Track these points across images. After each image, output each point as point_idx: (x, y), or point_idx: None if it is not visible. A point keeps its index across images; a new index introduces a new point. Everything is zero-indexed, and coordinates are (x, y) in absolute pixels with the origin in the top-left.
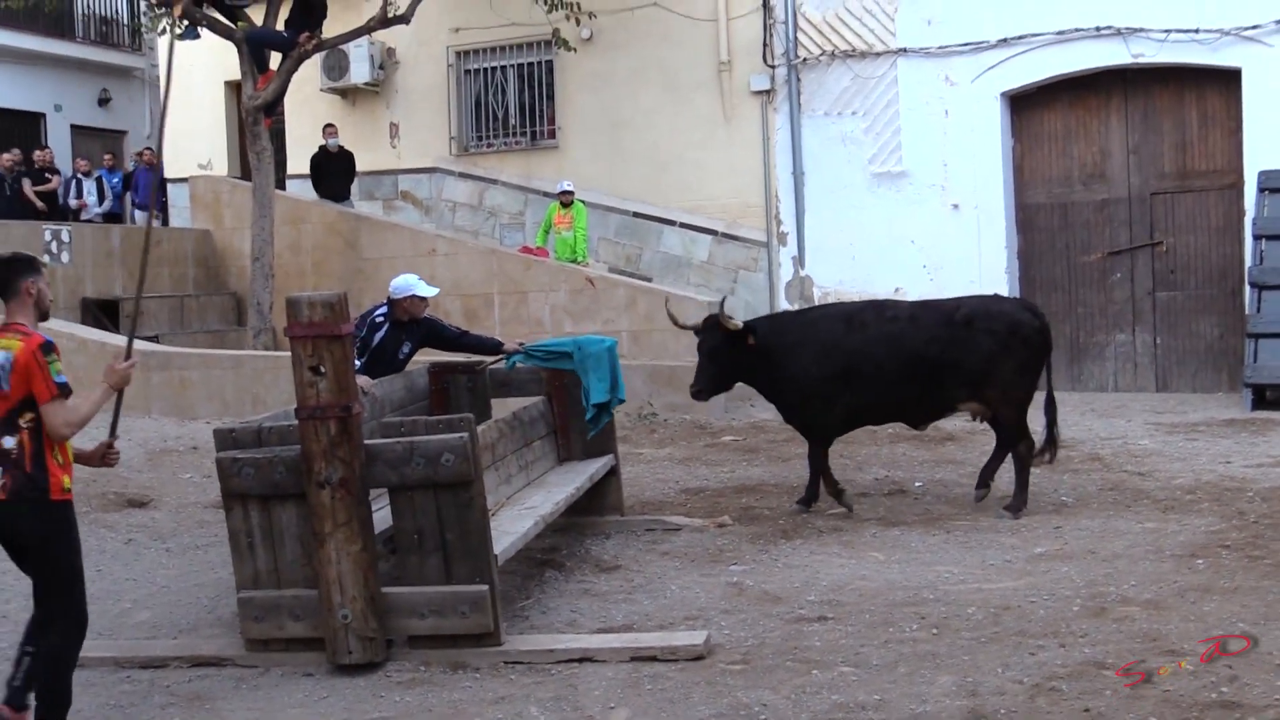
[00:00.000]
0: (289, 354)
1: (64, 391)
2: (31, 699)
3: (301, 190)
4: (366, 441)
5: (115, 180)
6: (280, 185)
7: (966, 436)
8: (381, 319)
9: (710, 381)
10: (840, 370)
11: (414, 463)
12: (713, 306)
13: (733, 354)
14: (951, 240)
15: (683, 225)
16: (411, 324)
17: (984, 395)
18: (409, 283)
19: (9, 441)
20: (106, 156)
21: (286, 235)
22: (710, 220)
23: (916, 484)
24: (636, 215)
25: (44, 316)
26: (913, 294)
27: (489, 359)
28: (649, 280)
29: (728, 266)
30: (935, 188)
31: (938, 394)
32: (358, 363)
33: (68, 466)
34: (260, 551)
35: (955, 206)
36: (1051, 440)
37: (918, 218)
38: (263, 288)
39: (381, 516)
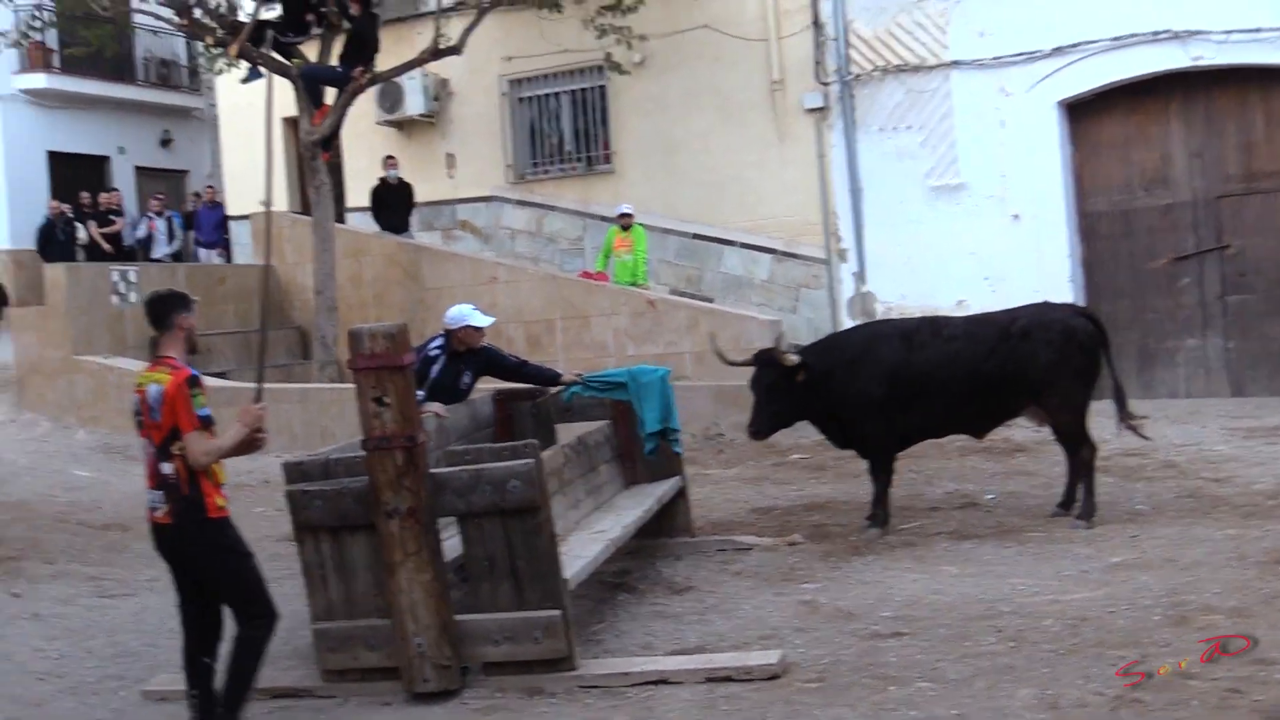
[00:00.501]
0: (353, 386)
1: (205, 424)
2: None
3: (361, 223)
4: (433, 470)
5: (177, 220)
6: (339, 219)
7: (1036, 448)
8: (436, 351)
9: (769, 420)
10: (904, 391)
11: (481, 490)
12: (775, 327)
13: (791, 388)
14: (1012, 251)
15: (742, 245)
16: (469, 354)
17: (1044, 403)
18: (463, 313)
19: (167, 468)
20: (157, 198)
21: (348, 268)
22: (769, 239)
23: (988, 496)
24: (696, 237)
25: (193, 350)
26: (975, 306)
27: (549, 389)
28: (710, 301)
29: (789, 285)
30: (994, 199)
31: (999, 406)
32: (420, 394)
33: (219, 486)
34: (333, 582)
35: (1015, 217)
36: (1126, 412)
37: (977, 229)
38: (326, 321)
39: (452, 545)
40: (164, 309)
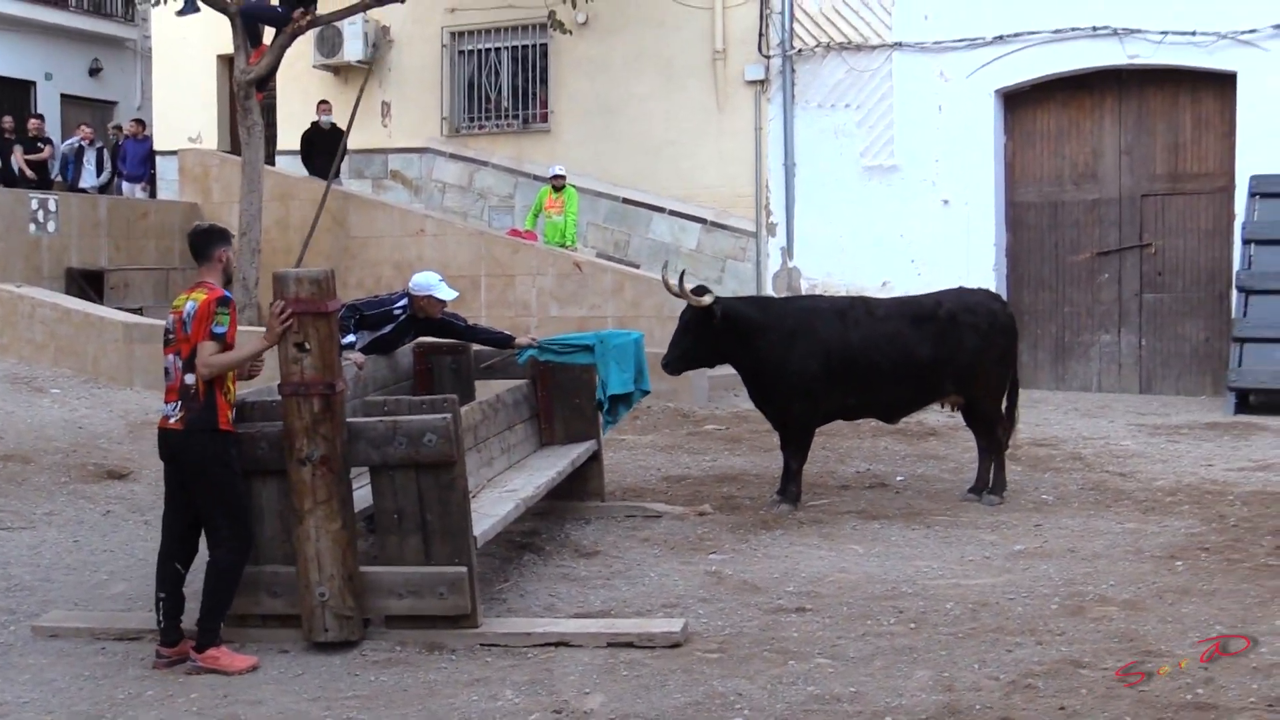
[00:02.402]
0: None
1: (216, 339)
2: (182, 631)
3: (290, 166)
4: (349, 420)
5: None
6: (270, 161)
7: (948, 432)
8: (400, 311)
9: (682, 355)
10: (838, 368)
11: (396, 442)
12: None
13: (707, 329)
14: (941, 236)
15: (672, 213)
16: (425, 321)
17: (968, 388)
18: (430, 282)
19: (190, 378)
20: (85, 126)
21: (274, 211)
22: (700, 209)
23: (898, 478)
24: (626, 201)
25: (228, 281)
26: (900, 288)
27: (502, 355)
28: (637, 267)
29: (716, 255)
30: (926, 183)
31: (924, 390)
32: (351, 338)
33: (230, 406)
34: None
35: (945, 202)
36: (1010, 421)
37: (908, 212)
38: (249, 263)
39: (362, 495)
40: (206, 242)
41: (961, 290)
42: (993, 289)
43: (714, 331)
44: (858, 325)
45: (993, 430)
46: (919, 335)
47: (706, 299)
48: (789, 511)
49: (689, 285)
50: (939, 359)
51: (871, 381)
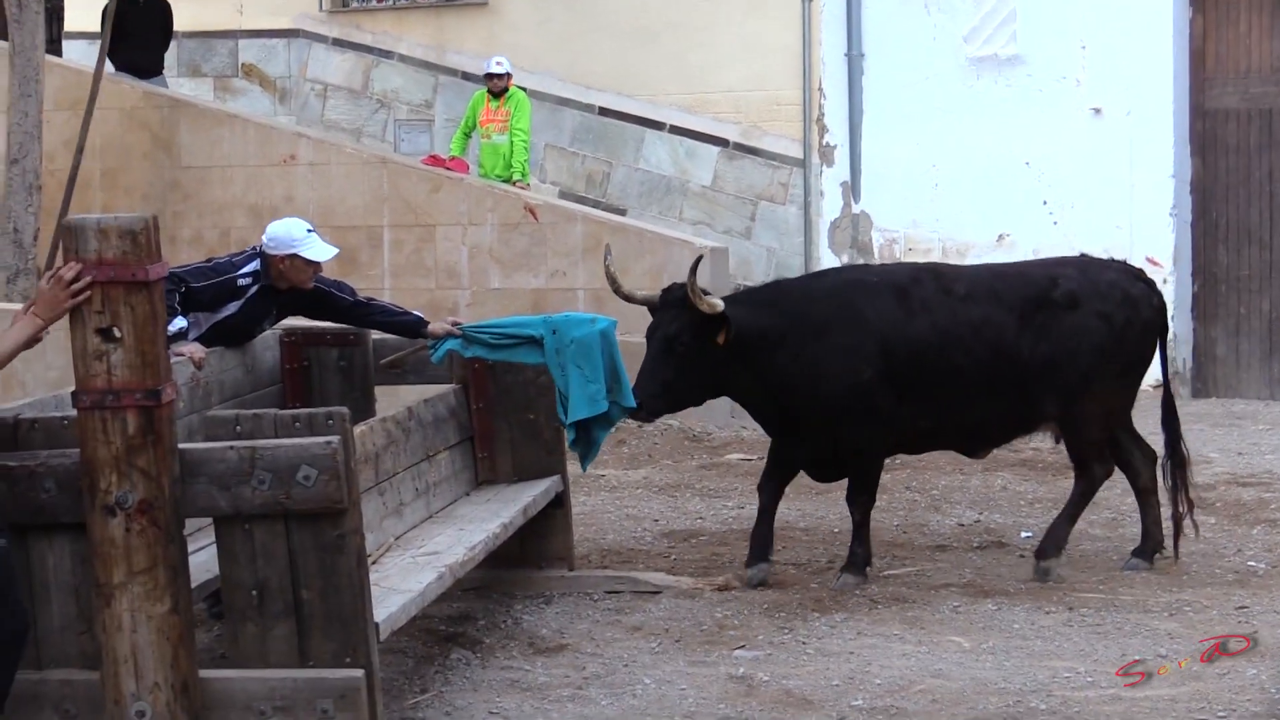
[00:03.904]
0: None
1: None
2: None
3: (86, 56)
4: (183, 445)
5: None
6: (54, 49)
7: None
8: (248, 280)
9: (657, 392)
10: (903, 371)
11: (256, 479)
12: (719, 257)
13: (702, 349)
14: (1089, 163)
15: (675, 130)
16: (291, 293)
17: (1071, 407)
18: (291, 235)
19: None
20: None
21: (63, 126)
22: (718, 123)
23: (1024, 534)
24: (604, 113)
25: None
26: (1023, 245)
27: (410, 346)
28: (622, 213)
29: (742, 195)
30: (1066, 82)
31: (1024, 410)
32: (182, 323)
33: None
34: None
35: (1096, 111)
36: (1179, 464)
37: (1037, 128)
38: (24, 206)
39: (202, 561)
40: None
41: (1086, 261)
42: (1169, 243)
43: (714, 353)
44: (927, 308)
45: (1089, 463)
46: (1021, 325)
47: (715, 302)
48: (855, 585)
49: (690, 246)
50: (1047, 363)
51: (948, 394)
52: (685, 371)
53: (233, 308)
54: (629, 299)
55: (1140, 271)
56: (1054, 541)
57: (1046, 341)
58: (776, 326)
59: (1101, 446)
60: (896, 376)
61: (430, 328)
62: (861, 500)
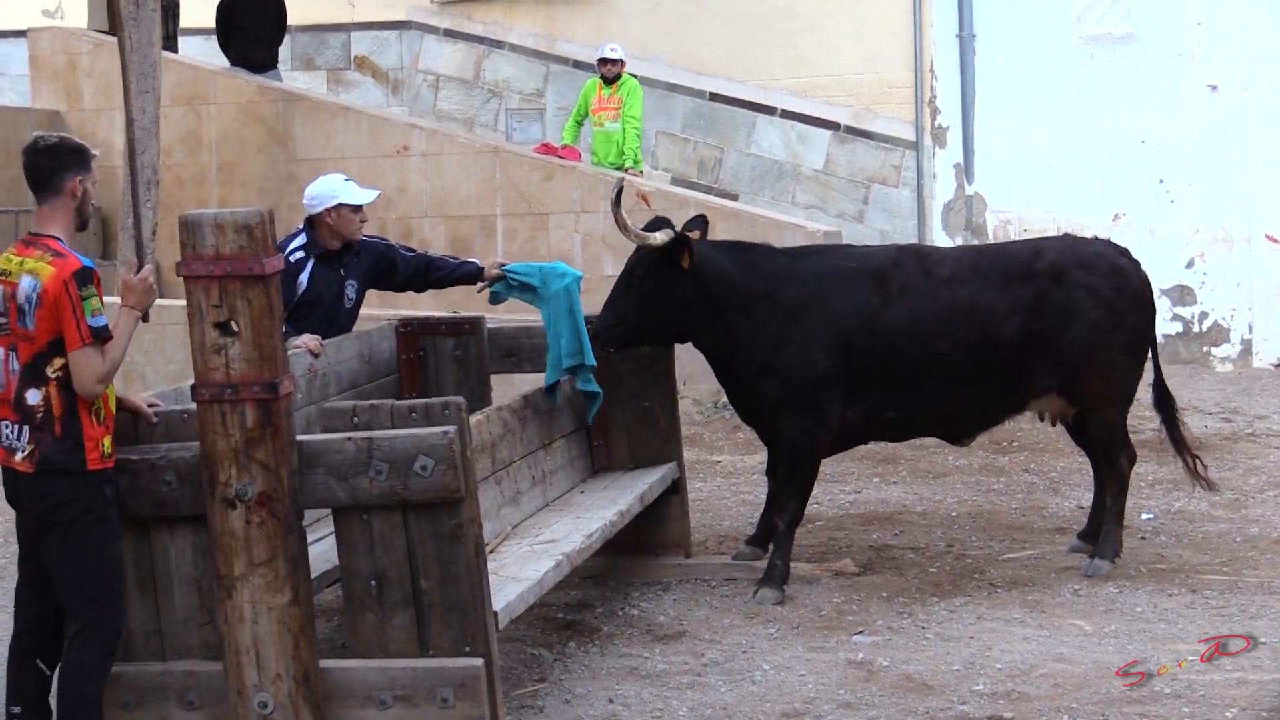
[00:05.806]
0: (182, 303)
1: (100, 337)
2: None
3: (202, 52)
4: (301, 437)
5: None
6: (170, 45)
7: (1222, 442)
8: (298, 253)
9: (620, 321)
10: (866, 364)
11: (374, 470)
12: (830, 236)
13: (672, 289)
14: (1206, 141)
15: (786, 115)
16: (347, 252)
17: (1080, 386)
18: (331, 188)
19: (34, 396)
20: None
21: (180, 121)
22: (830, 107)
23: (1144, 515)
24: (716, 98)
25: (83, 226)
26: (1138, 226)
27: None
28: (734, 198)
29: (854, 178)
30: (1182, 59)
31: (1011, 392)
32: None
33: (109, 422)
34: (136, 605)
35: (1213, 88)
36: (1178, 441)
37: (1153, 106)
38: (142, 202)
39: (322, 551)
40: (50, 164)
41: (1071, 239)
42: None
43: (675, 291)
44: (905, 293)
45: (1114, 454)
46: (1005, 303)
47: (659, 236)
48: (772, 600)
49: (805, 229)
50: (1033, 339)
51: (929, 382)
52: (643, 304)
53: (302, 282)
54: (640, 242)
55: (1126, 250)
56: (1111, 545)
57: (1034, 315)
58: (747, 289)
59: (1122, 430)
60: (858, 369)
61: (487, 272)
62: (790, 507)
